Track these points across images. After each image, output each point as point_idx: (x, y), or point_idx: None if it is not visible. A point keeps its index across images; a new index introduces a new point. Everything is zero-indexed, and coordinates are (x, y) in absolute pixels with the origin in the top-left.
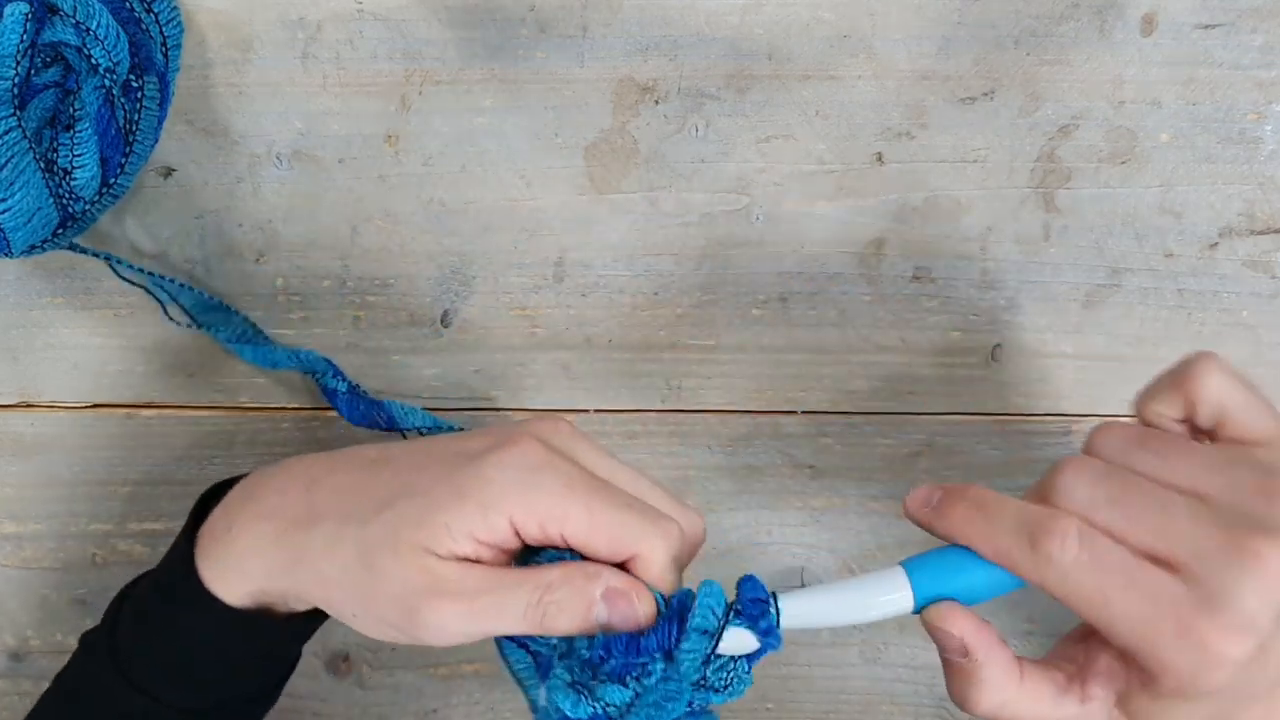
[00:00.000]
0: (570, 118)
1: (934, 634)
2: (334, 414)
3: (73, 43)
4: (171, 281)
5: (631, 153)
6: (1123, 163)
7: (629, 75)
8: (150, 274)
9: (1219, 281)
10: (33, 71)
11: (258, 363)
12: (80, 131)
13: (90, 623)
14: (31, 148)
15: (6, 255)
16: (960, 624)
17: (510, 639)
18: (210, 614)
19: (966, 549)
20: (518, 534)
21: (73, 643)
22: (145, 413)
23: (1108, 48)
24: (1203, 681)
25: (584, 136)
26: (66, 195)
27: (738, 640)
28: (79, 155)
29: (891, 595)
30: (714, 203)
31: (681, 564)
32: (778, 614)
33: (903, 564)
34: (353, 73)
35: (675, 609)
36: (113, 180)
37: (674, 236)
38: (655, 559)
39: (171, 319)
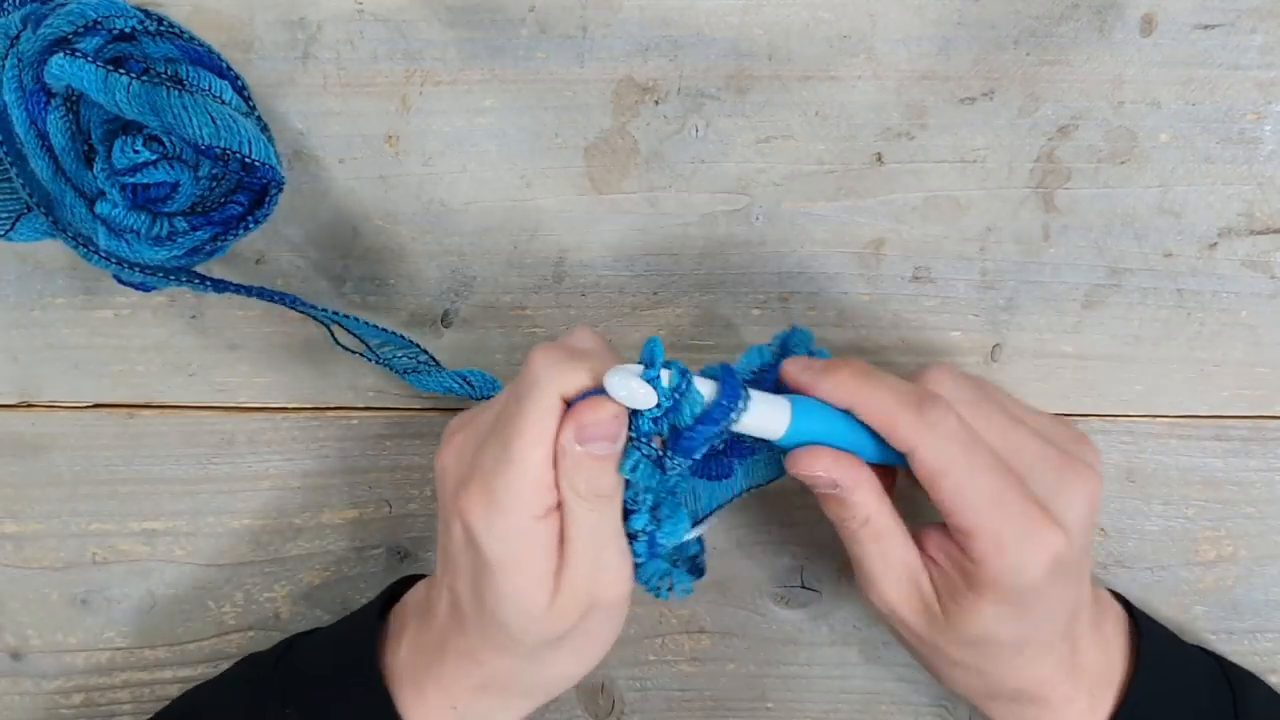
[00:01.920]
0: (570, 118)
1: (802, 474)
2: (334, 414)
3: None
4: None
5: (631, 153)
6: (1122, 163)
7: (629, 75)
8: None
9: (1219, 281)
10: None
11: (428, 389)
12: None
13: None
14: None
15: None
16: (826, 461)
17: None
18: None
19: (843, 412)
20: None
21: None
22: (145, 413)
23: (1108, 48)
24: (1020, 570)
25: (584, 136)
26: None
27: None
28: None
29: (770, 415)
30: (714, 203)
31: (586, 352)
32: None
33: (789, 398)
34: (353, 73)
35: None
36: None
37: (674, 236)
38: (563, 379)
39: (341, 345)
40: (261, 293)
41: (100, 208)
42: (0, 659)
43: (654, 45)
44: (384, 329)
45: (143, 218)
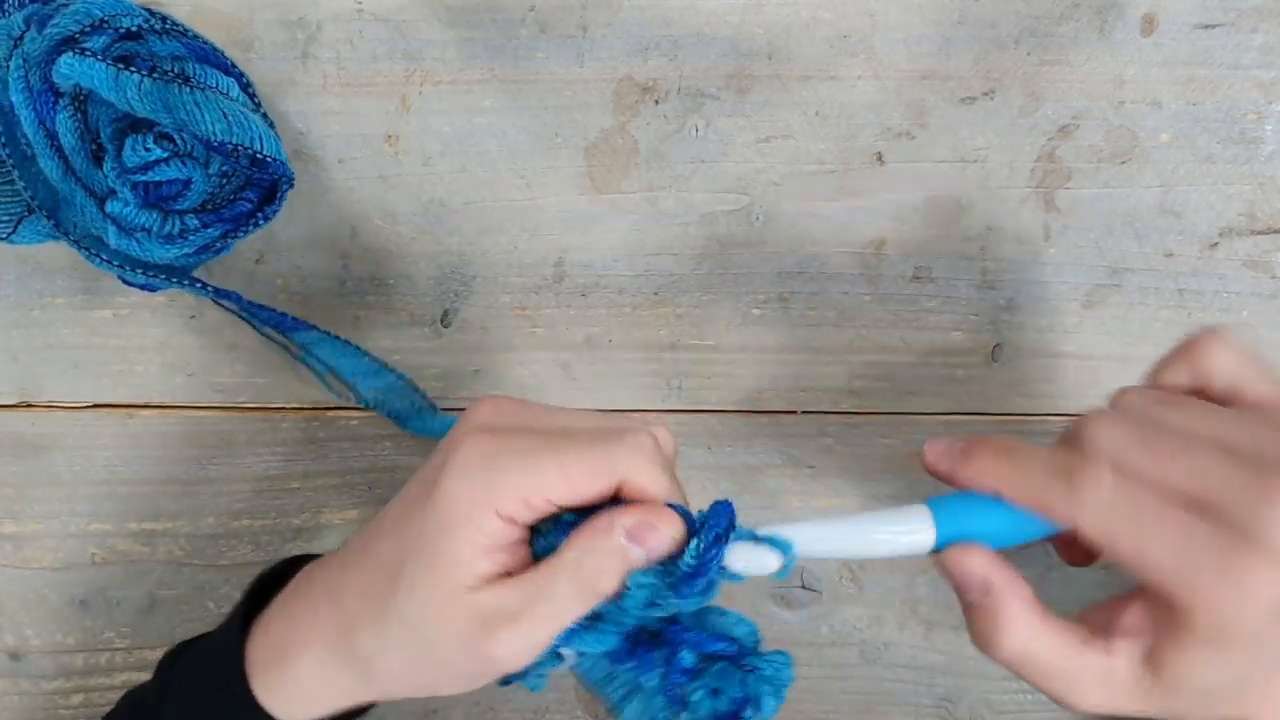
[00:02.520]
0: (570, 118)
1: (953, 574)
2: (334, 414)
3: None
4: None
5: (631, 153)
6: (1123, 163)
7: (629, 75)
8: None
9: (1219, 281)
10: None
11: (416, 432)
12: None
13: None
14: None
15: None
16: (980, 561)
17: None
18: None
19: (990, 496)
20: (514, 521)
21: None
22: (145, 413)
23: (1108, 48)
24: (1238, 619)
25: (584, 136)
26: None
27: (756, 559)
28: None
29: (912, 531)
30: (714, 203)
31: (666, 466)
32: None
33: (927, 502)
34: (353, 73)
35: (705, 518)
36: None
37: (674, 236)
38: (640, 474)
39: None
40: (267, 314)
41: (111, 206)
42: (0, 659)
43: (654, 45)
44: (385, 366)
45: (154, 216)
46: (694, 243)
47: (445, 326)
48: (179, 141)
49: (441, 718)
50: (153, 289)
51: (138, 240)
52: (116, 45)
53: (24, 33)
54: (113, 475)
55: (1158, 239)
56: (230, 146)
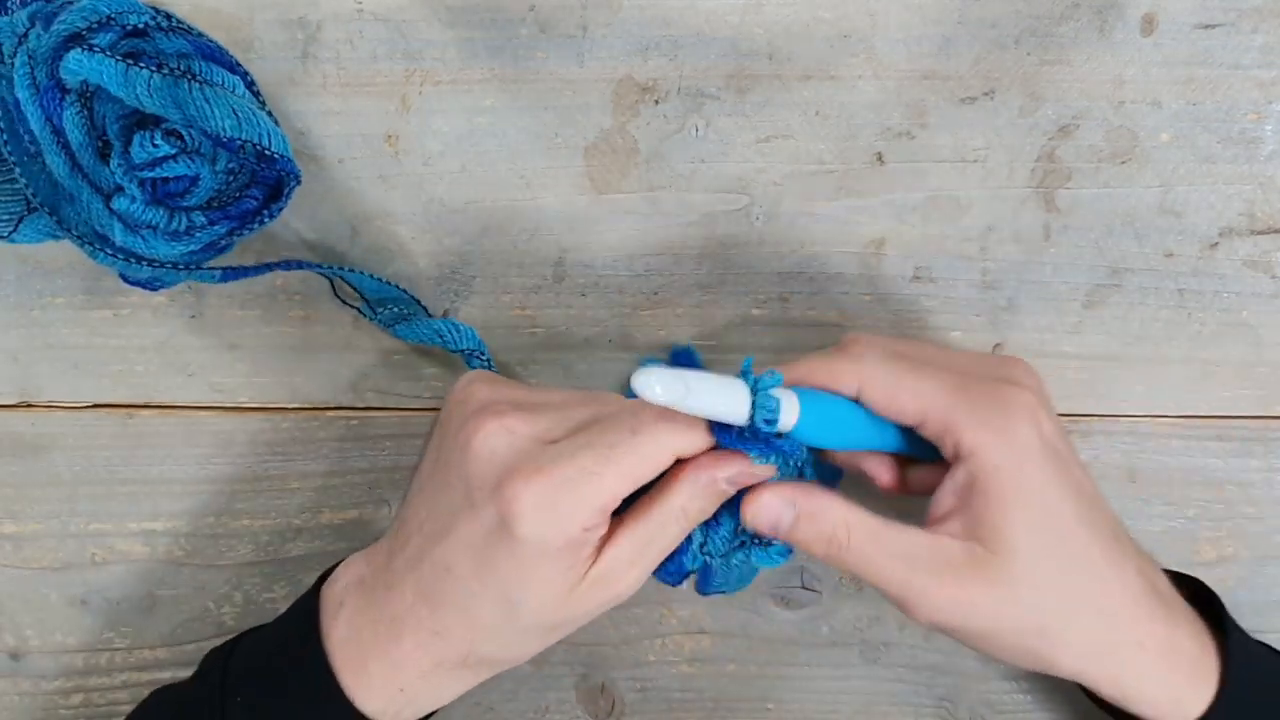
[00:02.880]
0: (570, 118)
1: (754, 520)
2: (334, 414)
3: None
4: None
5: (631, 153)
6: (1123, 163)
7: (629, 75)
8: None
9: (1219, 281)
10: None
11: (409, 339)
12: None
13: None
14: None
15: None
16: (770, 494)
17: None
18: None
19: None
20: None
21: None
22: (145, 413)
23: (1108, 48)
24: (1013, 435)
25: (584, 136)
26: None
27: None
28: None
29: (734, 397)
30: (714, 203)
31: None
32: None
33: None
34: (353, 73)
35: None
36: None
37: (674, 236)
38: (687, 445)
39: (340, 298)
40: (268, 267)
41: (118, 203)
42: (0, 659)
43: (654, 45)
44: (384, 281)
45: (160, 213)
46: (694, 243)
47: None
48: (187, 138)
49: (442, 717)
50: (153, 288)
51: (144, 237)
52: (123, 42)
53: (29, 29)
54: (113, 475)
55: (1158, 239)
56: (239, 143)
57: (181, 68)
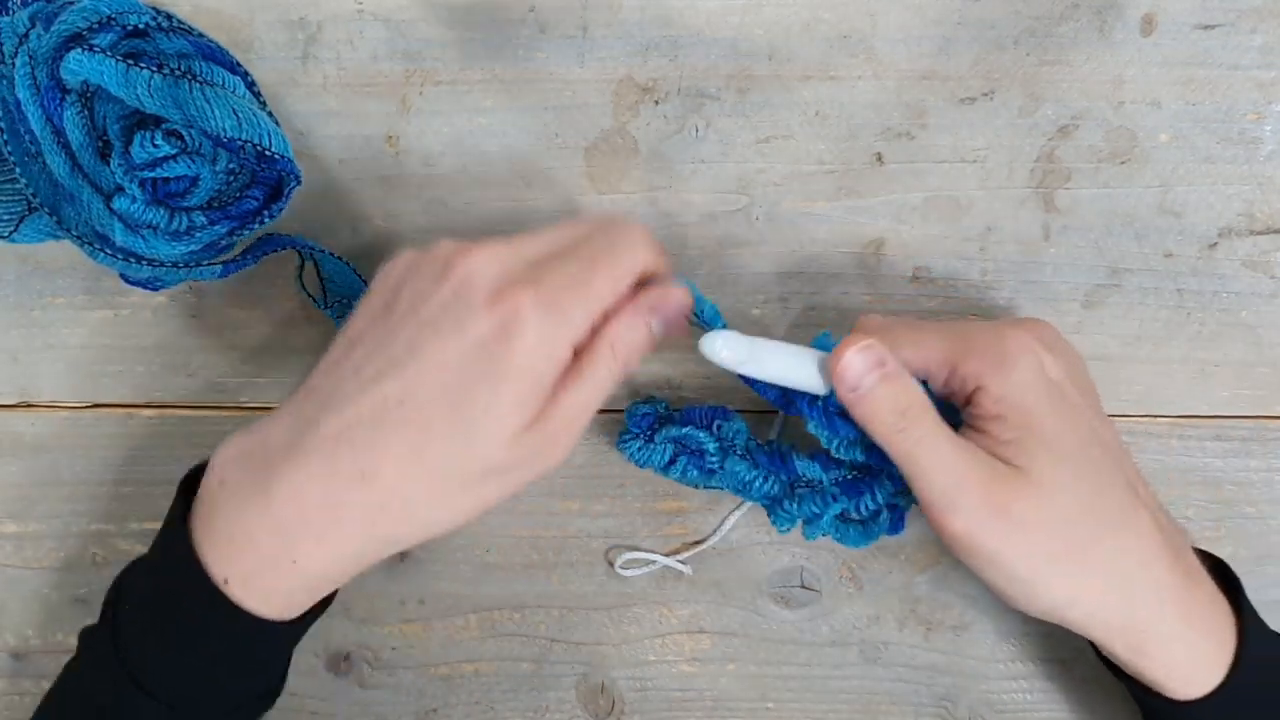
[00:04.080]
0: (570, 118)
1: (839, 375)
2: None
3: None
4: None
5: (631, 153)
6: (1122, 163)
7: (629, 75)
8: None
9: (1219, 281)
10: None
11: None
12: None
13: (91, 622)
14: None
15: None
16: (855, 352)
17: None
18: (244, 625)
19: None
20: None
21: (73, 642)
22: (145, 413)
23: (1108, 48)
24: (1018, 364)
25: (584, 136)
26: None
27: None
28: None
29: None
30: (714, 203)
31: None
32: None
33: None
34: (353, 73)
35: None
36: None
37: (674, 236)
38: (656, 262)
39: (302, 285)
40: (262, 251)
41: (118, 203)
42: (0, 659)
43: (654, 45)
44: (355, 272)
45: (161, 213)
46: (694, 243)
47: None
48: (187, 139)
49: (441, 717)
50: (154, 288)
51: (144, 237)
52: (123, 42)
53: (29, 30)
54: (113, 475)
55: (1157, 239)
56: (239, 143)
57: (182, 68)
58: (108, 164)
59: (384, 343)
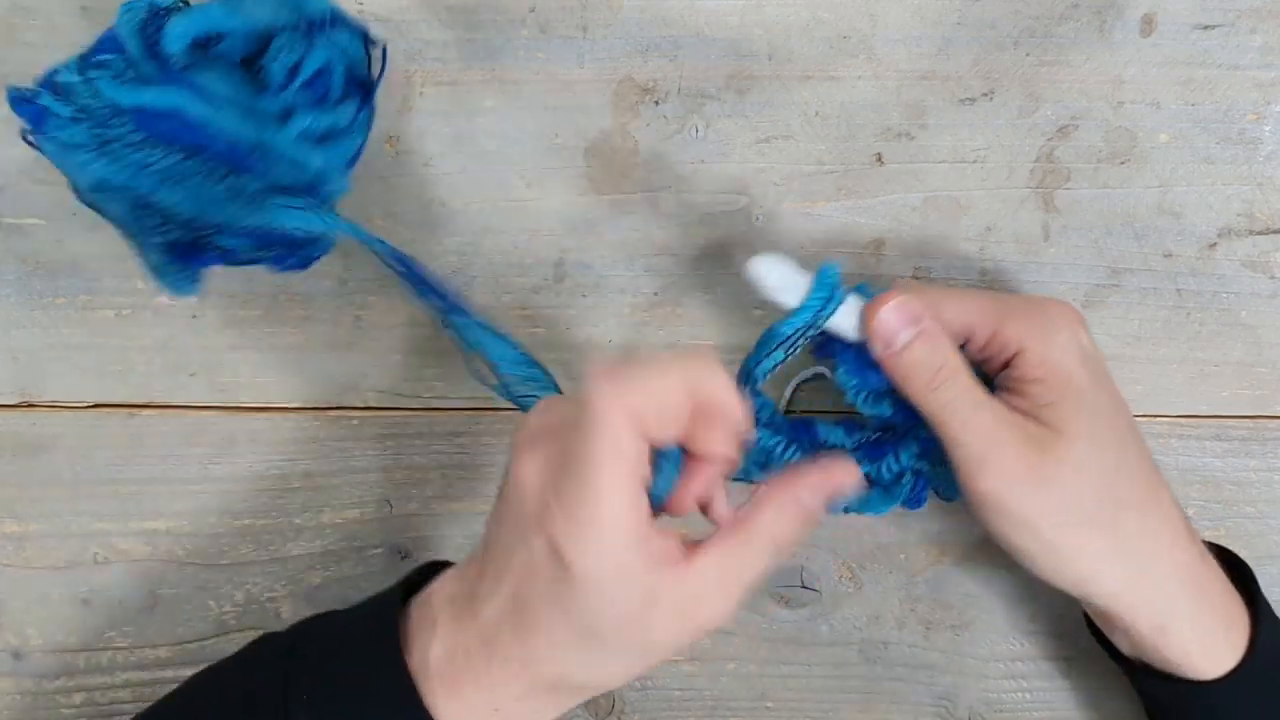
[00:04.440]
0: (570, 118)
1: (874, 329)
2: (334, 414)
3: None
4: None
5: (631, 153)
6: (1122, 163)
7: (629, 75)
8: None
9: (1218, 281)
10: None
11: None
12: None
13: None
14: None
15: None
16: (891, 309)
17: None
18: None
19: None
20: (649, 436)
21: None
22: (145, 413)
23: (1107, 48)
24: (1056, 333)
25: (584, 136)
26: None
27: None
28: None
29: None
30: (714, 203)
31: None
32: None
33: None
34: None
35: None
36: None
37: (674, 236)
38: (726, 388)
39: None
40: (425, 291)
41: (296, 123)
42: (1, 659)
43: (654, 45)
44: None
45: (324, 115)
46: (694, 243)
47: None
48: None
49: None
50: (305, 264)
51: (330, 148)
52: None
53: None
54: (114, 475)
55: (1157, 239)
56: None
57: None
58: (260, 98)
59: (497, 533)
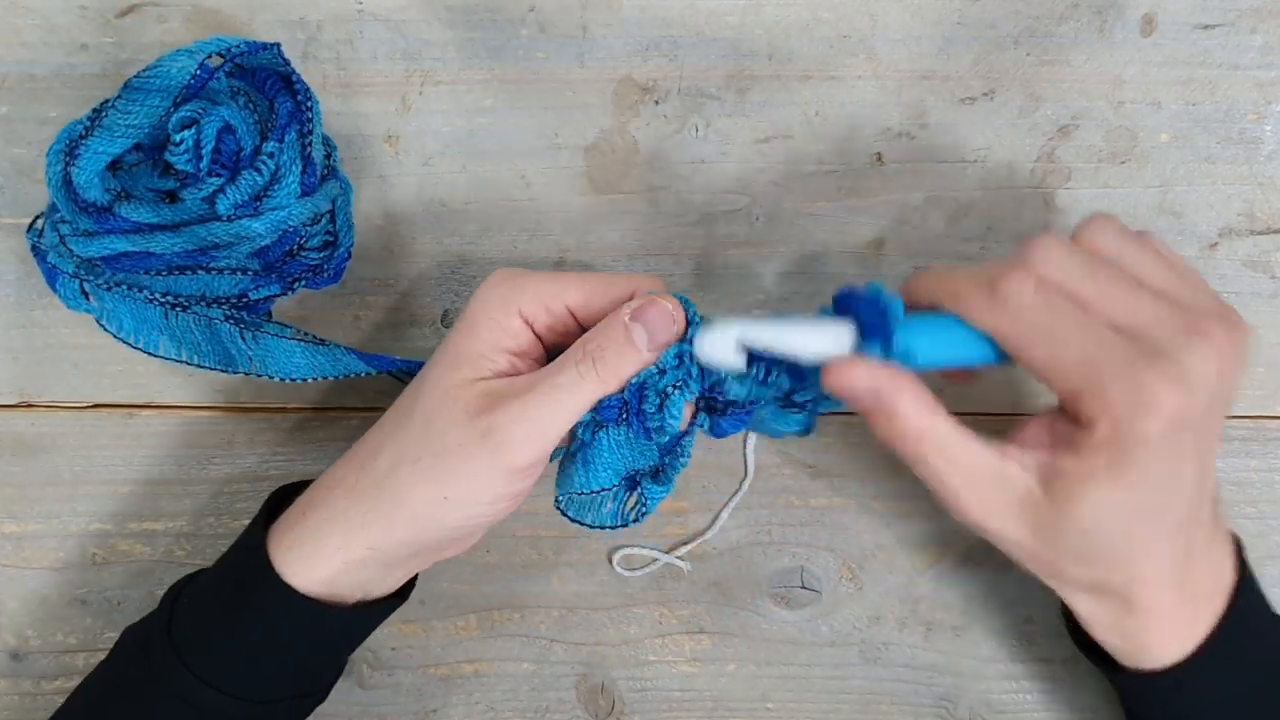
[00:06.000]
0: (570, 118)
1: (839, 387)
2: (334, 414)
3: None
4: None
5: (631, 153)
6: (1122, 163)
7: (629, 75)
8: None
9: (1219, 281)
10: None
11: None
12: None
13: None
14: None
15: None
16: (863, 370)
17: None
18: (286, 603)
19: (934, 315)
20: (534, 332)
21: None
22: (145, 413)
23: (1108, 48)
24: (1136, 429)
25: (584, 136)
26: None
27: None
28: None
29: (836, 338)
30: (714, 203)
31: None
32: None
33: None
34: (353, 73)
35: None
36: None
37: (674, 236)
38: (649, 285)
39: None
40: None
41: (221, 205)
42: (0, 659)
43: (654, 45)
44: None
45: (246, 177)
46: (694, 243)
47: (445, 326)
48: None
49: (441, 717)
50: (336, 276)
51: (276, 193)
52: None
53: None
54: (113, 475)
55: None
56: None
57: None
58: (177, 201)
59: (394, 412)
